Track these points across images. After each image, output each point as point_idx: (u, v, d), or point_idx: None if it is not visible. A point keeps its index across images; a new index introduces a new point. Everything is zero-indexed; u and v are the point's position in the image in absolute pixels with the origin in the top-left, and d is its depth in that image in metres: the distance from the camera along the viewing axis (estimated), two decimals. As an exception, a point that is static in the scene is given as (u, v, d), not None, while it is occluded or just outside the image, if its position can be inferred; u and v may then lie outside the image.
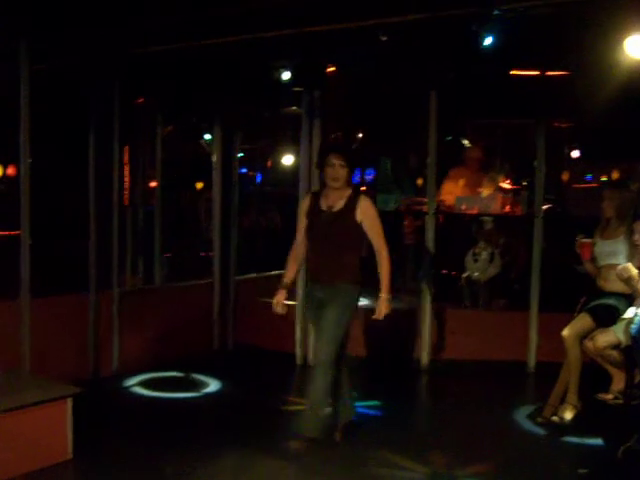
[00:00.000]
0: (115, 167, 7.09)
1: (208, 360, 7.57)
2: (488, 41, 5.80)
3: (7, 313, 6.25)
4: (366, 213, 4.82)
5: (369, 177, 12.61)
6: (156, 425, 5.58)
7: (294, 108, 8.43)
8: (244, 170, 11.55)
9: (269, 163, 13.35)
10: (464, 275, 8.64)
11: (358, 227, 4.81)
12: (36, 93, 6.17)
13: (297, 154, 12.00)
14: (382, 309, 4.85)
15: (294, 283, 5.97)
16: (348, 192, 4.85)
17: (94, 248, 6.89)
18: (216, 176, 8.18)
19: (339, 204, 4.83)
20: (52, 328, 6.44)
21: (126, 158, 8.54)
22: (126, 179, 8.76)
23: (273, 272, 8.75)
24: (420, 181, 9.42)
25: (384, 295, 4.84)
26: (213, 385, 6.64)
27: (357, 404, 6.06)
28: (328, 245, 4.80)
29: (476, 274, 8.57)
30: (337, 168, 4.76)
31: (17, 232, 6.36)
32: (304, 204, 5.02)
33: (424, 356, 7.48)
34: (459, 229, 8.85)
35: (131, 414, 5.86)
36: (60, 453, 4.74)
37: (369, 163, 11.09)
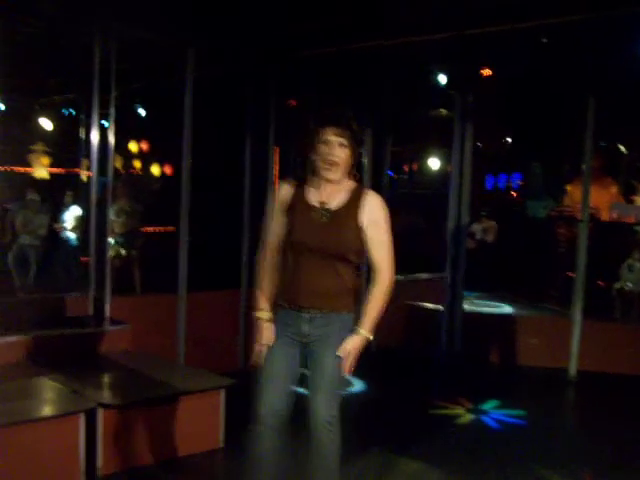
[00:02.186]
0: (270, 168, 7.30)
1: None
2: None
3: (164, 306, 6.59)
4: (374, 215, 3.31)
5: (516, 182, 12.39)
6: (298, 422, 5.69)
7: (442, 111, 8.39)
8: (390, 173, 11.59)
9: (415, 166, 13.38)
10: (617, 286, 8.33)
11: (362, 233, 3.30)
12: (196, 97, 6.49)
13: (443, 157, 12.04)
14: (351, 348, 3.28)
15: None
16: (349, 185, 3.34)
17: (246, 246, 7.14)
18: (366, 179, 8.24)
19: (338, 200, 3.30)
20: (206, 321, 6.73)
21: (276, 158, 8.77)
22: (275, 180, 9.00)
23: (418, 275, 8.80)
24: (569, 187, 9.18)
25: (364, 332, 3.32)
26: (357, 385, 6.71)
27: (503, 412, 6.01)
28: (320, 257, 3.27)
29: (629, 285, 8.26)
30: (335, 147, 3.22)
31: (170, 228, 6.68)
32: (282, 195, 3.37)
33: (572, 367, 7.26)
34: (613, 238, 8.54)
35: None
36: (212, 441, 4.94)
37: (517, 168, 10.89)
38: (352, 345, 3.28)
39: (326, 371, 3.31)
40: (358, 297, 3.38)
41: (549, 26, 5.63)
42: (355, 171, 3.34)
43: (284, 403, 3.33)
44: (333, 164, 3.22)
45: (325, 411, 3.33)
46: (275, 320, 3.35)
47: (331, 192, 3.30)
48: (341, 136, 3.21)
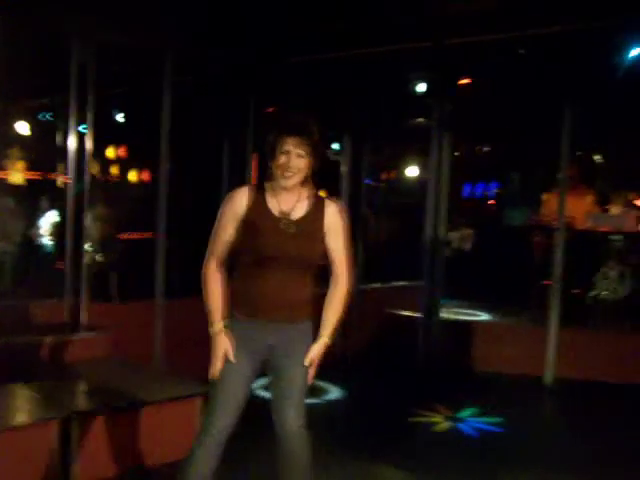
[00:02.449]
0: (248, 174, 7.30)
1: (328, 367, 7.59)
2: (635, 52, 5.60)
3: (143, 312, 6.57)
4: (335, 222, 3.31)
5: (492, 190, 12.48)
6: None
7: (420, 120, 8.45)
8: (368, 181, 11.64)
9: (393, 174, 13.41)
10: (592, 294, 8.39)
11: (325, 241, 3.31)
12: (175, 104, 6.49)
13: (421, 165, 12.10)
14: (316, 356, 3.33)
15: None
16: (308, 193, 3.30)
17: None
18: (345, 186, 8.26)
19: (300, 209, 3.27)
20: (190, 327, 6.69)
21: (255, 164, 8.78)
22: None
23: (396, 283, 8.82)
24: (545, 196, 9.26)
25: (326, 339, 3.34)
26: (334, 392, 6.70)
27: (480, 420, 6.03)
28: (288, 268, 3.21)
29: (604, 293, 8.33)
30: (293, 158, 3.17)
31: (148, 235, 6.66)
32: (238, 204, 3.22)
33: (549, 375, 7.30)
34: (588, 247, 8.61)
35: (253, 416, 5.96)
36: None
37: (494, 176, 10.97)
38: (317, 352, 3.31)
39: (295, 381, 3.30)
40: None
41: (527, 37, 5.69)
42: (311, 179, 3.27)
43: (236, 418, 3.27)
44: (290, 174, 3.17)
45: (297, 421, 3.30)
46: (231, 333, 3.23)
47: (291, 201, 3.25)
48: (300, 147, 3.15)
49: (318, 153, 3.23)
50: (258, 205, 3.21)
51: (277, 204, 3.23)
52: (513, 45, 5.81)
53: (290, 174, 3.16)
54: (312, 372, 3.33)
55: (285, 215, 3.22)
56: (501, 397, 6.90)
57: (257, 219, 3.19)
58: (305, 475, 3.37)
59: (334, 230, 3.29)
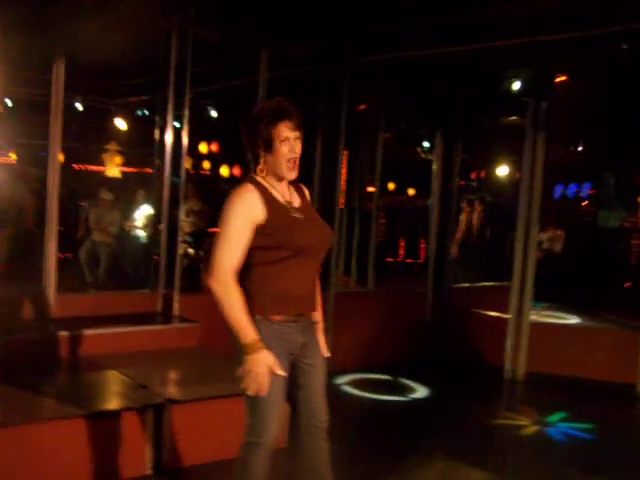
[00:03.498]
0: (339, 171, 7.33)
1: (414, 365, 7.59)
2: None
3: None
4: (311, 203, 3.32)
5: (587, 192, 12.17)
6: (363, 425, 5.70)
7: (514, 118, 8.30)
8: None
9: (483, 173, 13.24)
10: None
11: None
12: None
13: (512, 165, 11.91)
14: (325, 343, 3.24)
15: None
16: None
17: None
18: (435, 185, 8.20)
19: (294, 197, 3.13)
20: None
21: (344, 162, 8.80)
22: (342, 182, 9.03)
23: (486, 283, 8.72)
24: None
25: (322, 323, 3.26)
26: (420, 391, 6.68)
27: (569, 425, 5.91)
28: (316, 259, 3.10)
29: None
30: (294, 143, 3.00)
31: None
32: (252, 204, 2.95)
33: (641, 382, 7.09)
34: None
35: (340, 412, 5.97)
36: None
37: (588, 177, 10.71)
38: (325, 339, 3.22)
39: (322, 376, 3.18)
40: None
41: (628, 32, 5.51)
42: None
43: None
44: (293, 164, 3.01)
45: (326, 414, 3.18)
46: (266, 340, 2.92)
47: (286, 190, 3.10)
48: (296, 130, 3.00)
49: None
50: (270, 201, 2.98)
51: (280, 196, 3.05)
52: (612, 41, 5.62)
53: (293, 163, 3.00)
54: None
55: (290, 205, 3.06)
56: (591, 403, 6.73)
57: (276, 215, 2.97)
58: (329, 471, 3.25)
59: None
